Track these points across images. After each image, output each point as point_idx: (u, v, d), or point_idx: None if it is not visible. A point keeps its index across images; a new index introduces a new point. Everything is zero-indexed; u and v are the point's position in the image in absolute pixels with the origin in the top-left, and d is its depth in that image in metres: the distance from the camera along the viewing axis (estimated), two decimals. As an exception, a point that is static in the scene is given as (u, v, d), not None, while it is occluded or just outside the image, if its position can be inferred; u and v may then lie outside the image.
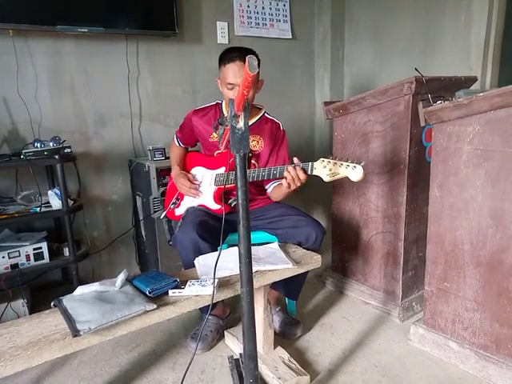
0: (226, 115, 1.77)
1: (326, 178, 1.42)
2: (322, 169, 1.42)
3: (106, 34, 2.17)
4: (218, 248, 1.56)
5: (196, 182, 1.83)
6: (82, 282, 1.99)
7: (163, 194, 2.11)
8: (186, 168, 1.92)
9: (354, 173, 1.36)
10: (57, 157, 1.83)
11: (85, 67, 2.20)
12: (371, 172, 1.91)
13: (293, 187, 1.51)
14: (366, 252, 2.02)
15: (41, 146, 1.87)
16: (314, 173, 1.45)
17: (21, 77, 2.02)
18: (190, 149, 2.02)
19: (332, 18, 2.93)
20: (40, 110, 2.10)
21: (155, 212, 2.13)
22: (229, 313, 1.91)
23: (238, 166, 1.04)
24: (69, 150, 1.90)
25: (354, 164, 1.36)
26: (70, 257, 1.94)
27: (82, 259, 2.00)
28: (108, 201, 2.37)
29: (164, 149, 2.20)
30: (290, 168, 1.48)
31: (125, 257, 2.46)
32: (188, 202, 1.84)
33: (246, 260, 1.08)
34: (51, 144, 1.89)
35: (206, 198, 1.79)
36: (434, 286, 1.60)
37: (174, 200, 1.89)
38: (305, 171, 1.46)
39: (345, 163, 1.38)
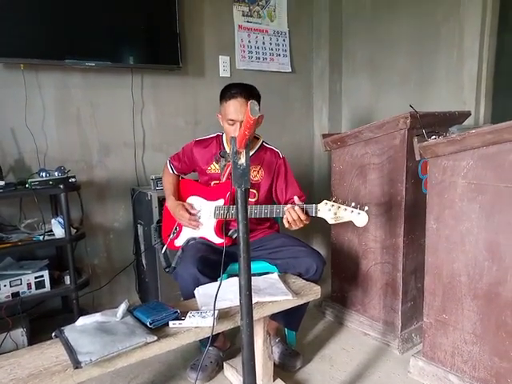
0: (227, 150, 1.82)
1: (331, 221, 1.47)
2: (327, 212, 1.46)
3: (112, 67, 2.26)
4: (218, 279, 1.59)
5: (194, 212, 1.84)
6: (82, 311, 2.01)
7: (159, 222, 2.11)
8: (180, 196, 1.92)
9: (359, 218, 1.40)
10: (61, 186, 1.87)
11: (91, 99, 2.27)
12: (369, 203, 1.93)
13: (294, 228, 1.54)
14: (365, 282, 2.03)
15: (46, 176, 1.92)
16: (318, 215, 1.49)
17: (29, 108, 2.09)
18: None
19: (330, 52, 3.04)
20: (46, 140, 2.16)
21: (156, 241, 2.15)
22: (229, 346, 1.90)
23: (239, 201, 1.08)
24: (73, 180, 1.95)
25: (359, 210, 1.40)
26: (70, 285, 1.95)
27: (82, 287, 2.01)
28: (109, 228, 2.39)
29: (166, 178, 2.24)
30: (291, 209, 1.51)
31: (125, 285, 2.47)
32: (187, 233, 1.85)
33: (246, 292, 1.10)
34: (56, 174, 1.94)
35: (207, 230, 1.81)
36: (433, 317, 1.61)
37: (172, 230, 1.90)
38: (307, 213, 1.50)
39: (349, 208, 1.43)
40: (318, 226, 3.04)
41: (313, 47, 3.10)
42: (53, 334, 1.28)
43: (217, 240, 1.79)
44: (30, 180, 1.87)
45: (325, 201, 1.51)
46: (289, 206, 1.55)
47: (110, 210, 2.38)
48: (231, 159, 1.05)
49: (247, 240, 1.09)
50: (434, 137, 1.57)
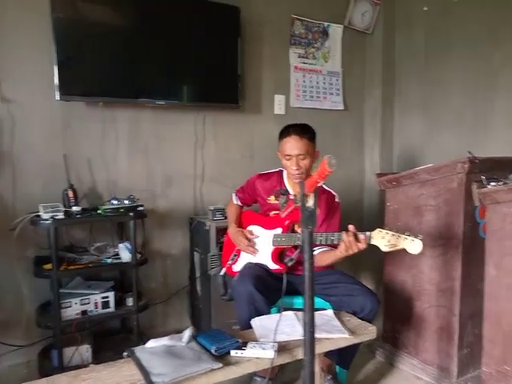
0: (287, 184, 1.95)
1: (385, 249, 1.50)
2: (380, 239, 1.50)
3: (178, 105, 2.46)
4: (272, 311, 1.66)
5: (253, 239, 1.95)
6: (139, 332, 2.12)
7: (221, 249, 2.22)
8: (241, 225, 2.05)
9: (413, 246, 1.43)
10: (131, 214, 2.03)
11: (158, 133, 2.46)
12: (424, 244, 1.94)
13: (350, 252, 1.59)
14: (419, 325, 2.01)
15: (117, 204, 2.09)
16: (372, 242, 1.53)
17: (104, 141, 2.30)
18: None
19: (382, 91, 3.11)
20: (117, 170, 2.36)
21: (212, 268, 2.25)
22: (277, 371, 1.94)
23: (305, 241, 1.16)
24: (141, 208, 2.11)
25: (413, 237, 1.43)
26: (132, 307, 2.07)
27: (143, 310, 2.13)
28: (167, 255, 2.53)
29: (223, 209, 2.36)
30: (350, 232, 1.56)
31: (178, 310, 2.57)
32: (246, 259, 1.95)
33: (310, 330, 1.16)
34: (126, 202, 2.10)
35: (264, 256, 1.90)
36: (493, 367, 1.57)
37: (232, 256, 2.01)
38: (365, 239, 1.55)
39: (403, 235, 1.46)
40: (367, 262, 3.06)
41: (365, 86, 3.19)
42: (124, 354, 1.39)
43: (273, 266, 1.88)
44: (103, 207, 2.05)
45: (378, 229, 1.55)
46: (346, 232, 1.60)
47: (168, 236, 2.53)
48: (300, 202, 1.14)
49: (312, 278, 1.16)
50: (493, 183, 1.59)
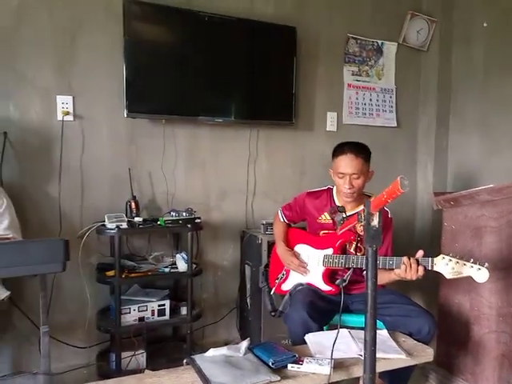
0: (337, 202, 1.95)
1: (449, 276, 1.48)
2: (444, 266, 1.48)
3: (235, 122, 2.55)
4: (325, 328, 1.66)
5: (303, 259, 1.95)
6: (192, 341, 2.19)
7: (266, 266, 2.26)
8: (289, 243, 2.04)
9: (479, 274, 1.40)
10: (189, 226, 2.12)
11: (214, 149, 2.56)
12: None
13: (408, 278, 1.57)
14: (476, 350, 1.93)
15: (176, 215, 2.19)
16: (435, 268, 1.51)
17: (165, 156, 2.43)
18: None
19: (437, 108, 3.06)
20: (175, 184, 2.47)
21: (262, 282, 2.29)
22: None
23: (369, 259, 1.17)
24: (199, 220, 2.19)
25: (479, 266, 1.40)
26: (187, 316, 2.15)
27: (196, 319, 2.21)
28: (219, 266, 2.60)
29: (275, 224, 2.41)
30: (409, 261, 1.55)
31: (226, 321, 2.62)
32: (295, 279, 1.95)
33: (372, 348, 1.17)
34: (184, 214, 2.20)
35: (315, 277, 1.90)
36: (562, 401, 1.49)
37: (280, 275, 2.02)
38: (424, 267, 1.53)
39: (468, 263, 1.43)
40: (420, 282, 2.98)
41: (419, 103, 3.15)
42: (184, 361, 1.45)
43: (324, 287, 1.87)
44: (163, 218, 2.16)
45: (441, 255, 1.53)
46: (406, 258, 1.58)
47: (220, 248, 2.60)
48: (365, 220, 1.16)
49: (375, 297, 1.16)
50: None
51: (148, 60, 2.27)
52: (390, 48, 3.01)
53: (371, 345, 1.16)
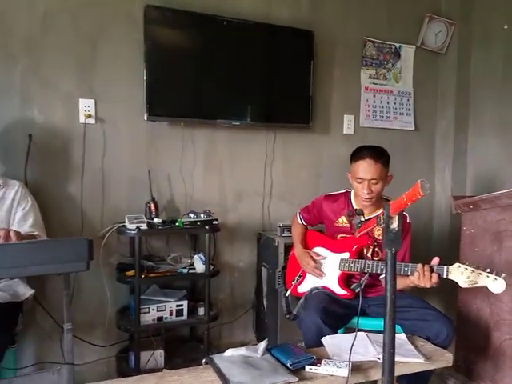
0: (355, 206, 1.93)
1: (464, 285, 1.47)
2: (459, 275, 1.47)
3: (252, 125, 2.58)
4: (339, 332, 1.65)
5: (319, 261, 1.94)
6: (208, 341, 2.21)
7: (284, 267, 2.27)
8: (307, 245, 2.05)
9: (495, 285, 1.39)
10: (207, 227, 2.15)
11: (232, 152, 2.59)
12: (504, 272, 1.86)
13: (422, 285, 1.57)
14: (497, 357, 1.91)
15: (194, 217, 2.22)
16: (450, 277, 1.50)
17: (183, 158, 2.47)
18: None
19: (456, 111, 3.03)
20: (193, 185, 2.51)
21: (279, 284, 2.30)
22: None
23: (388, 262, 1.17)
24: (216, 222, 2.22)
25: (495, 276, 1.39)
26: (204, 316, 2.17)
27: (213, 320, 2.23)
28: (235, 267, 2.63)
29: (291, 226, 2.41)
30: (423, 268, 1.54)
31: (242, 322, 2.64)
32: (311, 282, 1.96)
33: (391, 351, 1.17)
34: (202, 215, 2.23)
35: (330, 281, 1.90)
36: None
37: (296, 277, 2.02)
38: (439, 275, 1.52)
39: (484, 273, 1.42)
40: (440, 288, 2.95)
41: (437, 106, 3.13)
42: (203, 361, 1.47)
43: (339, 291, 1.87)
44: (181, 220, 2.19)
45: (457, 263, 1.52)
46: (420, 265, 1.58)
47: (237, 250, 2.62)
48: (384, 223, 1.16)
49: (394, 300, 1.17)
50: None
51: (168, 64, 2.31)
52: (408, 51, 2.99)
53: (390, 347, 1.17)
